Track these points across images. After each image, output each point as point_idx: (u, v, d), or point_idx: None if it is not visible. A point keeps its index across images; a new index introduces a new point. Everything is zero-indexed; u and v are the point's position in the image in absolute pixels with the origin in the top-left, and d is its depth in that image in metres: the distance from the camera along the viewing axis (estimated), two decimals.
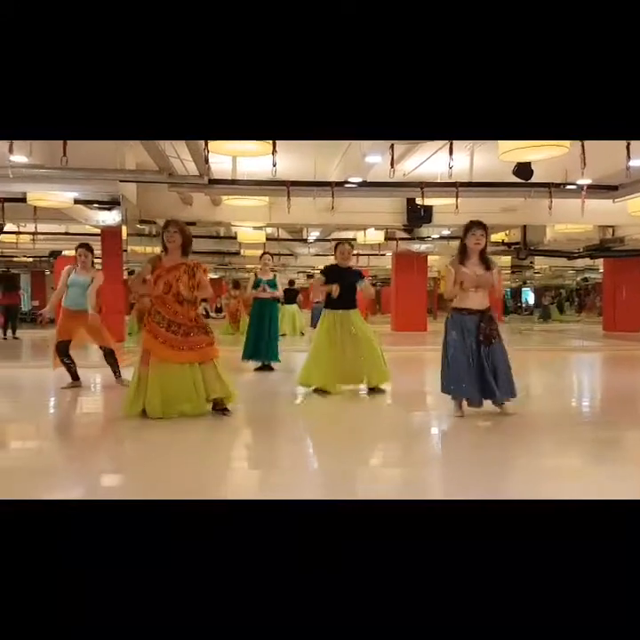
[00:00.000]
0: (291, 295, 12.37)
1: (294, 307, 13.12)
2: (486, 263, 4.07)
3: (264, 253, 7.16)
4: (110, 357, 5.48)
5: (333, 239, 14.54)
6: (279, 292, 6.88)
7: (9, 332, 11.91)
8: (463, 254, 4.07)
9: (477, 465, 3.21)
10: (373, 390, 5.17)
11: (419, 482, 2.94)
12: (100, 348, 5.50)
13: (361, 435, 4.12)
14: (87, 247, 5.49)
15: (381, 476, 3.04)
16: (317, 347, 5.12)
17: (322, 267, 5.69)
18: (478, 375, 3.97)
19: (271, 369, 6.82)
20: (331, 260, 8.15)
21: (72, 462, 3.32)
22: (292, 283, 13.20)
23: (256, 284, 6.81)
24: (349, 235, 14.08)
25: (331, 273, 5.20)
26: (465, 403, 4.12)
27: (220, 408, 4.09)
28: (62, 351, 5.33)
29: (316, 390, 5.10)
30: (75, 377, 5.41)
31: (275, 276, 6.91)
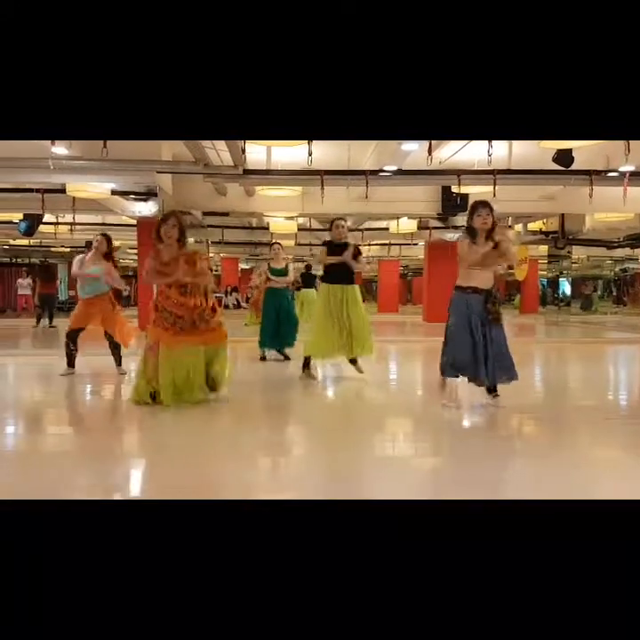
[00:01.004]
0: (309, 279, 12.13)
1: (313, 291, 12.88)
2: (493, 242, 4.04)
3: (274, 243, 7.23)
4: (115, 347, 5.60)
5: (365, 228, 14.50)
6: (289, 278, 6.98)
7: (44, 321, 12.19)
8: (471, 235, 4.04)
9: (506, 458, 3.17)
10: (355, 362, 5.40)
11: (444, 477, 2.89)
12: (107, 336, 5.55)
13: (391, 425, 4.10)
14: (106, 236, 5.61)
15: (408, 469, 3.00)
16: (316, 319, 5.40)
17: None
18: (483, 353, 3.95)
19: (287, 358, 6.83)
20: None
21: (84, 449, 3.38)
22: (308, 267, 13.01)
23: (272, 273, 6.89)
24: (382, 224, 14.01)
25: (328, 248, 5.34)
26: (459, 394, 4.17)
27: (212, 387, 4.23)
28: (71, 337, 5.47)
29: (306, 359, 5.41)
30: (71, 364, 5.54)
31: (287, 264, 6.98)
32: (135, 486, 2.80)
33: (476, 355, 3.96)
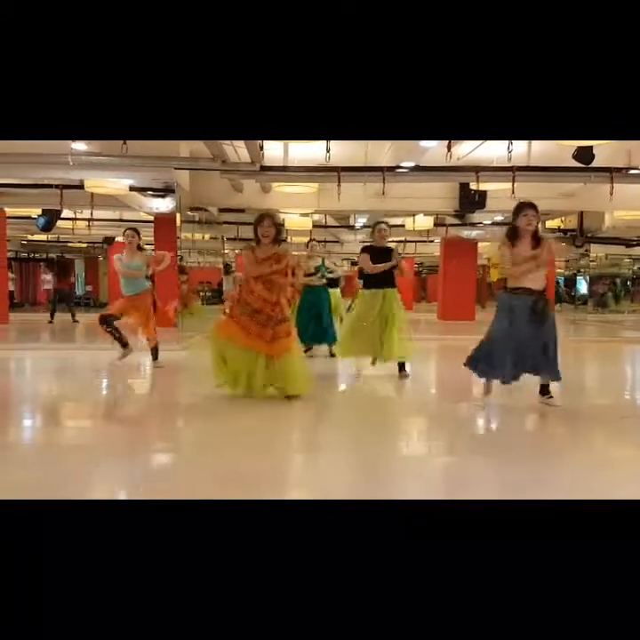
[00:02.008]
0: (332, 280, 12.02)
1: (337, 291, 12.70)
2: (538, 243, 3.98)
3: (311, 240, 7.22)
4: (153, 347, 5.81)
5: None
6: (331, 266, 7.11)
7: (63, 317, 12.31)
8: (514, 236, 3.98)
9: (521, 458, 3.15)
10: (402, 369, 5.39)
11: (457, 476, 2.87)
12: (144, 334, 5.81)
13: (405, 424, 4.10)
14: (134, 229, 5.75)
15: (423, 468, 3.00)
16: (354, 322, 5.41)
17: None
18: (522, 355, 3.88)
19: (333, 355, 6.75)
20: None
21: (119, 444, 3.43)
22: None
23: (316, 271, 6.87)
24: (398, 221, 13.93)
25: (370, 253, 5.28)
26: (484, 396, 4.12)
27: (288, 396, 4.30)
28: (107, 322, 5.56)
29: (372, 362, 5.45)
30: (125, 344, 5.62)
31: (323, 260, 7.02)
32: (146, 483, 2.80)
33: (514, 358, 3.87)
